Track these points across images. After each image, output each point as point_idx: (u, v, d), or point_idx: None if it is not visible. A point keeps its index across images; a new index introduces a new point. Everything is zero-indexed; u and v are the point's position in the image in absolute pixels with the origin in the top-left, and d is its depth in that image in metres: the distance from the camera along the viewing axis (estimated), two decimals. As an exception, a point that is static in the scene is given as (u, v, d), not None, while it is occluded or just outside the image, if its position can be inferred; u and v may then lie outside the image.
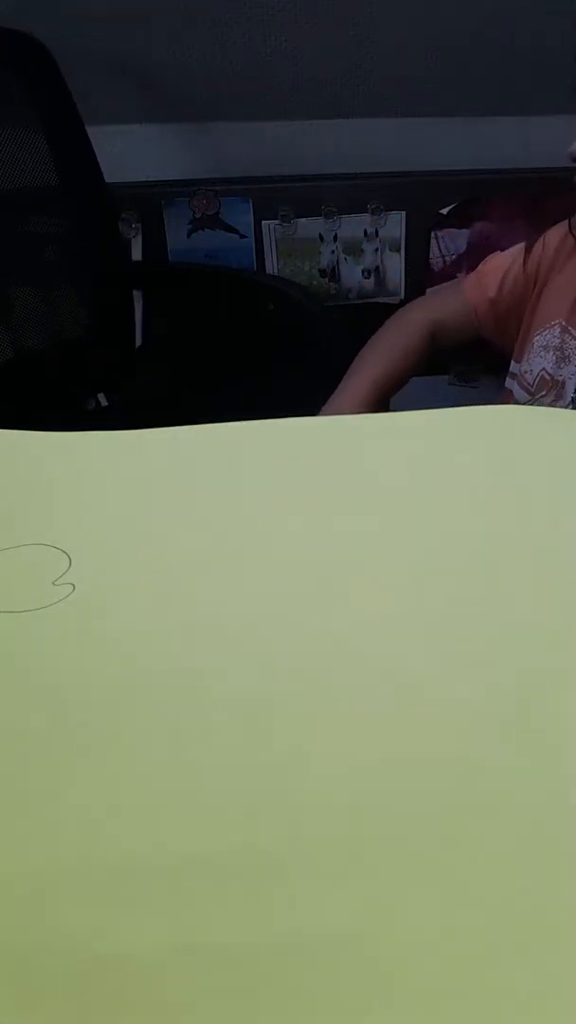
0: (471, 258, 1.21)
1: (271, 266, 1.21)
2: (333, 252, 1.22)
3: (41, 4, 0.99)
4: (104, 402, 1.21)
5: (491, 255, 0.87)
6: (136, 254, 1.16)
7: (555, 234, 0.79)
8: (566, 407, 0.73)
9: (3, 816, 0.23)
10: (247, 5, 1.04)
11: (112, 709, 0.27)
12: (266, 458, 0.40)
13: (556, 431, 0.37)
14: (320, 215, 1.18)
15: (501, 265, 0.84)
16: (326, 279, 1.24)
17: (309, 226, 1.19)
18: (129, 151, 1.12)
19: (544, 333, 0.78)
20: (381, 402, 0.83)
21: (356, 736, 0.26)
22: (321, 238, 1.20)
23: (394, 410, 0.79)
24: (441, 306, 0.88)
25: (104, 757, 0.25)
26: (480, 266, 0.87)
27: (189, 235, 1.16)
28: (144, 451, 0.42)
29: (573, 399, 0.73)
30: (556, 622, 0.30)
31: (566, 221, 0.78)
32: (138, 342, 1.18)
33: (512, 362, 0.82)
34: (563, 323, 0.75)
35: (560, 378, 0.74)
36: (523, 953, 0.20)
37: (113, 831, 0.23)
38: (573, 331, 0.75)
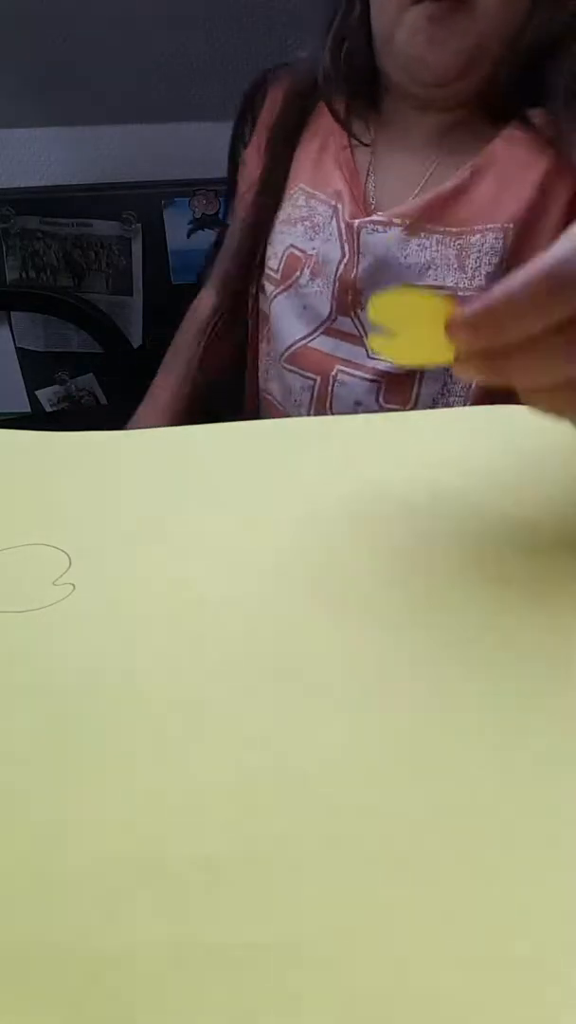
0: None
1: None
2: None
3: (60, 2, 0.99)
4: (104, 402, 1.21)
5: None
6: (136, 253, 1.16)
7: (276, 97, 0.71)
8: (329, 286, 0.65)
9: (2, 816, 0.23)
10: (246, 5, 1.04)
11: (112, 709, 0.27)
12: (267, 458, 0.40)
13: (556, 431, 0.38)
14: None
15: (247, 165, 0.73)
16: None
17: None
18: (129, 151, 1.12)
19: (284, 206, 0.68)
20: (201, 402, 0.77)
21: (355, 737, 0.26)
22: (321, 238, 1.20)
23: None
24: (223, 269, 0.77)
25: (104, 757, 0.25)
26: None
27: (189, 235, 1.16)
28: (144, 451, 0.42)
29: (337, 274, 0.64)
30: (556, 622, 0.30)
31: (288, 78, 0.70)
32: (137, 342, 1.18)
33: None
34: (306, 188, 0.67)
35: (313, 251, 0.66)
36: (524, 953, 0.20)
37: (112, 831, 0.23)
38: (319, 194, 0.66)
